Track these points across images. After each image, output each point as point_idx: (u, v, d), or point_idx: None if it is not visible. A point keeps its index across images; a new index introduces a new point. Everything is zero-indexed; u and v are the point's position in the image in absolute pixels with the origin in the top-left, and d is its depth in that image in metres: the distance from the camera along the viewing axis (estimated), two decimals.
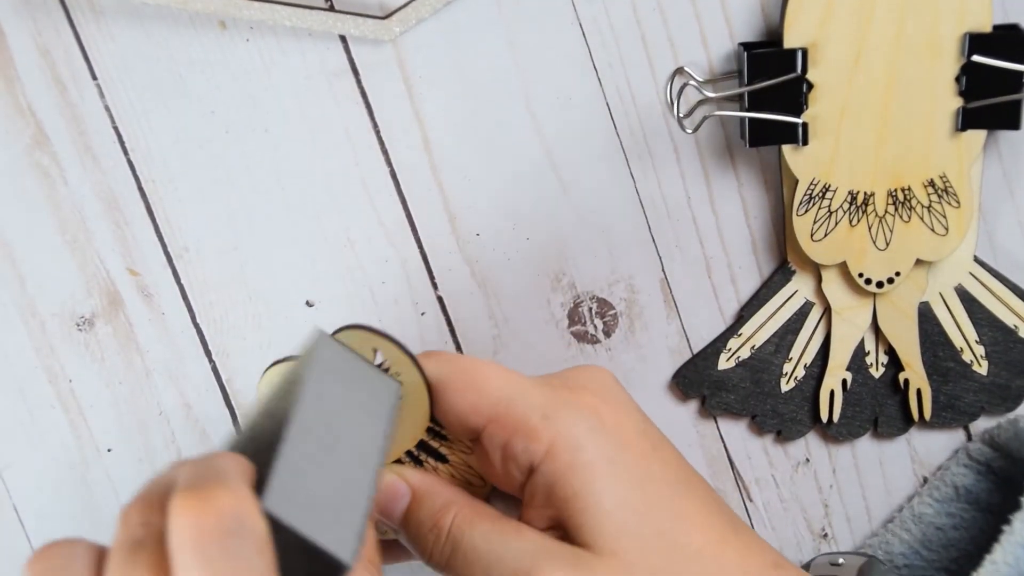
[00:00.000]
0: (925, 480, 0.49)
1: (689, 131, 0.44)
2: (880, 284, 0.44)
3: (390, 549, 0.36)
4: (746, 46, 0.42)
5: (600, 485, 0.31)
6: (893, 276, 0.44)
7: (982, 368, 0.46)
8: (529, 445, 0.31)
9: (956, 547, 0.46)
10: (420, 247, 0.46)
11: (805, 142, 0.42)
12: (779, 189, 0.45)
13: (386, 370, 0.33)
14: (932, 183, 0.42)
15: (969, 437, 0.48)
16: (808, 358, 0.47)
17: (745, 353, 0.47)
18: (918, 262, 0.43)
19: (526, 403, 0.31)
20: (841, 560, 0.45)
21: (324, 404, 0.29)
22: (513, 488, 0.33)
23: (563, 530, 0.31)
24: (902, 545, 0.47)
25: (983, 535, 0.45)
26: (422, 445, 0.34)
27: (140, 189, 0.45)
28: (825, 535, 0.50)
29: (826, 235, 0.43)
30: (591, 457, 0.31)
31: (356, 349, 0.32)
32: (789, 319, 0.46)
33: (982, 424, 0.48)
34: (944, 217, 0.43)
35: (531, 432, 0.31)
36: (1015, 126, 0.41)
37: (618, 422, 0.32)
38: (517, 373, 0.33)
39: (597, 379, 0.34)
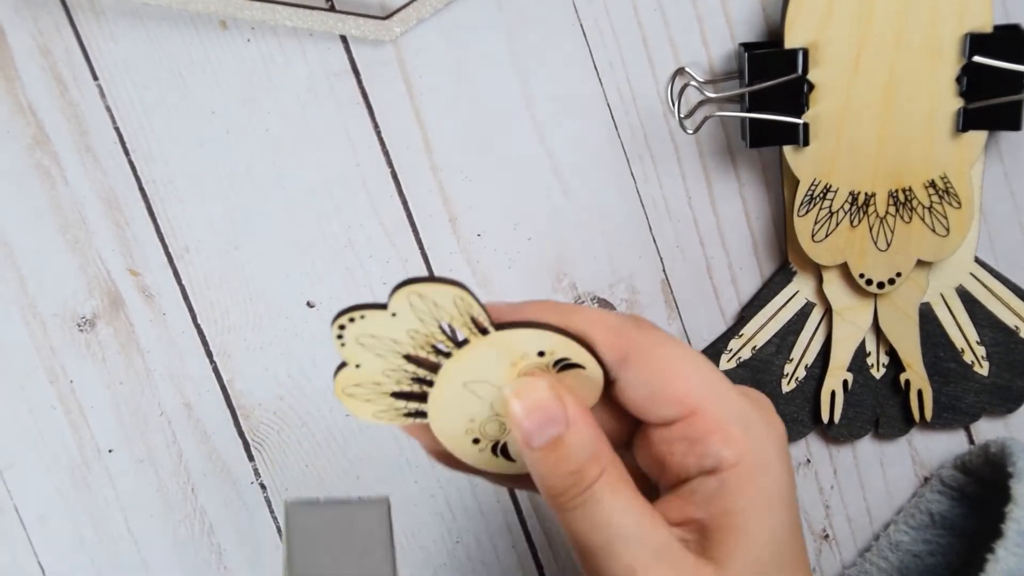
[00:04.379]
0: (926, 480, 0.49)
1: (690, 132, 0.44)
2: (881, 285, 0.44)
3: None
4: (747, 46, 0.42)
5: (764, 513, 0.30)
6: (894, 277, 0.44)
7: (983, 369, 0.46)
8: (723, 450, 0.30)
9: (933, 573, 0.47)
10: (421, 248, 0.46)
11: (806, 143, 0.42)
12: (780, 190, 0.45)
13: (559, 362, 0.30)
14: (933, 184, 0.42)
15: (970, 438, 0.48)
16: (809, 359, 0.47)
17: (746, 354, 0.47)
18: (919, 263, 0.43)
19: (728, 406, 0.31)
20: None
21: (318, 569, 0.30)
22: (661, 471, 0.32)
23: (699, 535, 0.31)
24: (880, 574, 0.47)
25: (959, 561, 0.46)
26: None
27: (141, 189, 0.45)
28: (826, 536, 0.49)
29: (827, 236, 0.43)
30: (770, 483, 0.31)
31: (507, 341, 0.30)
32: (790, 320, 0.46)
33: (982, 425, 0.48)
34: (945, 218, 0.43)
35: (731, 438, 0.30)
36: (1016, 127, 0.41)
37: (788, 455, 0.32)
38: (710, 364, 0.32)
39: (769, 405, 0.33)
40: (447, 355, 0.30)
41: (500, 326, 0.30)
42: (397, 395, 0.31)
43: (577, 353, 0.30)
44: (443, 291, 0.29)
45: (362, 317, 0.29)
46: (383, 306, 0.29)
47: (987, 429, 0.48)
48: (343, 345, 0.30)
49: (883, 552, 0.48)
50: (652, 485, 0.33)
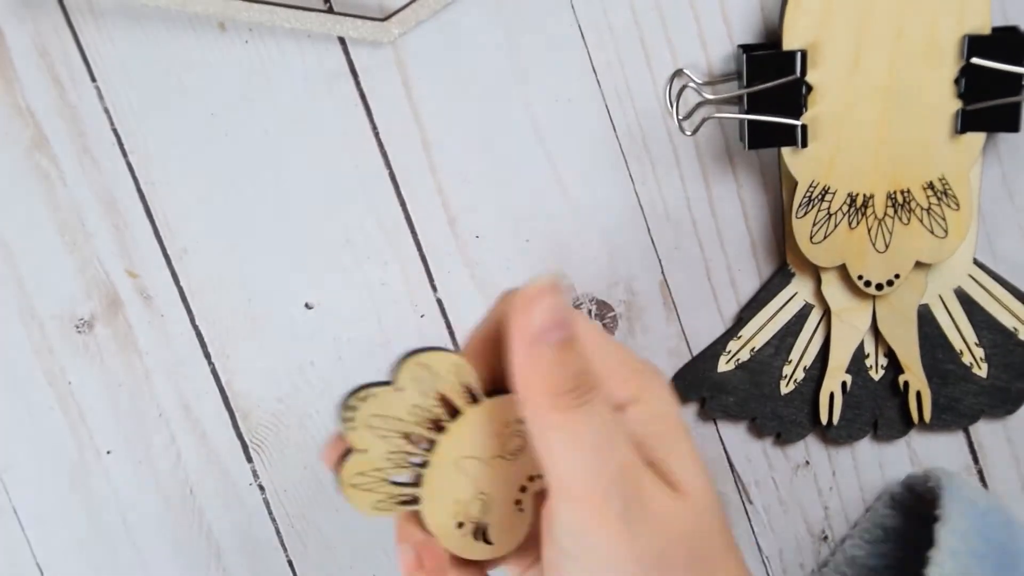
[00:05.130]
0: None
1: (688, 133, 0.44)
2: (879, 286, 0.44)
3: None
4: (745, 48, 0.42)
5: (686, 442, 0.31)
6: (892, 278, 0.44)
7: (982, 370, 0.46)
8: (618, 392, 0.31)
9: None
10: (419, 249, 0.46)
11: (804, 144, 0.42)
12: (778, 191, 0.45)
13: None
14: (931, 185, 0.42)
15: (969, 439, 0.48)
16: (808, 360, 0.47)
17: (745, 355, 0.47)
18: (917, 264, 0.43)
19: (620, 356, 0.32)
20: None
21: None
22: None
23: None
24: None
25: (913, 573, 0.46)
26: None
27: (139, 191, 0.45)
28: (825, 537, 0.49)
29: (825, 237, 0.43)
30: (676, 419, 0.31)
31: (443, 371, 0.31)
32: (789, 321, 0.46)
33: (981, 427, 0.48)
34: (943, 219, 0.43)
35: (626, 381, 0.31)
36: (1014, 128, 0.41)
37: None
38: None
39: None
40: (442, 430, 0.31)
41: (492, 392, 0.31)
42: (395, 482, 0.31)
43: None
44: (443, 360, 0.30)
45: (374, 396, 0.30)
46: (388, 382, 0.30)
47: (986, 431, 0.48)
48: (352, 429, 0.30)
49: (840, 567, 0.48)
50: None
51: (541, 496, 0.32)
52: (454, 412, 0.31)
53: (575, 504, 0.29)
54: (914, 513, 0.47)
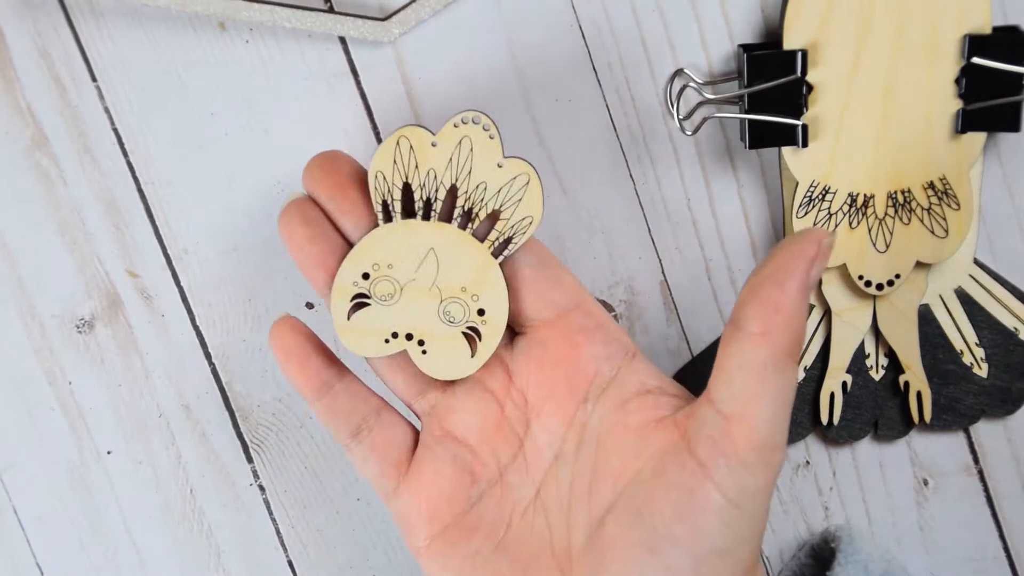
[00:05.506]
0: (925, 482, 0.49)
1: (689, 133, 0.44)
2: (880, 286, 0.44)
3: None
4: (746, 47, 0.42)
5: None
6: (893, 278, 0.44)
7: (982, 371, 0.46)
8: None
9: None
10: None
11: (805, 144, 0.42)
12: (779, 191, 0.45)
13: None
14: (932, 185, 0.42)
15: (969, 439, 0.48)
16: (808, 360, 0.47)
17: None
18: (918, 264, 0.43)
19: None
20: None
21: None
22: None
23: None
24: None
25: None
26: None
27: (140, 191, 0.45)
28: None
29: None
30: None
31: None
32: None
33: (981, 427, 0.48)
34: (944, 219, 0.43)
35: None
36: (1015, 128, 0.41)
37: None
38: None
39: None
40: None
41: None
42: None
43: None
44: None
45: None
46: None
47: (986, 431, 0.48)
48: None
49: None
50: None
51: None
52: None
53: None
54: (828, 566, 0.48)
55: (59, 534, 0.48)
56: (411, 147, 0.35)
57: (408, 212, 0.36)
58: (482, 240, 0.36)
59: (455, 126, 0.35)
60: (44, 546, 0.49)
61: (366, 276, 0.36)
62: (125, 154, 0.45)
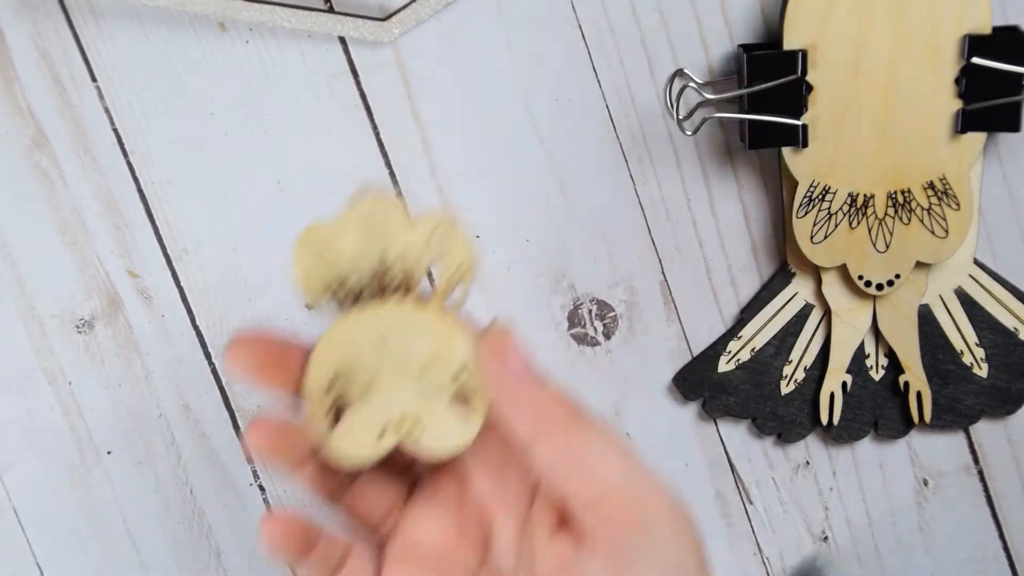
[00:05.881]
0: (925, 482, 0.49)
1: (689, 133, 0.44)
2: (880, 286, 0.44)
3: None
4: (746, 48, 0.42)
5: None
6: (893, 278, 0.44)
7: (982, 371, 0.46)
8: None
9: None
10: None
11: (805, 144, 0.42)
12: (779, 191, 0.45)
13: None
14: (932, 185, 0.42)
15: (969, 439, 0.48)
16: (808, 360, 0.47)
17: (745, 356, 0.47)
18: (918, 264, 0.43)
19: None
20: None
21: None
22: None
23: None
24: None
25: None
26: None
27: (139, 191, 0.45)
28: (825, 538, 0.49)
29: (826, 237, 0.43)
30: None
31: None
32: (789, 321, 0.46)
33: (981, 427, 0.48)
34: (944, 219, 0.42)
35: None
36: (1015, 128, 0.41)
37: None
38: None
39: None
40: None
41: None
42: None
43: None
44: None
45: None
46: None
47: (986, 431, 0.48)
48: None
49: None
50: None
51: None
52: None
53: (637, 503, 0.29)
54: None
55: (59, 534, 0.48)
56: (318, 249, 0.34)
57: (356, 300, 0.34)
58: (428, 302, 0.35)
59: (354, 208, 0.34)
60: (44, 546, 0.49)
61: (331, 385, 0.34)
62: (125, 154, 0.45)
